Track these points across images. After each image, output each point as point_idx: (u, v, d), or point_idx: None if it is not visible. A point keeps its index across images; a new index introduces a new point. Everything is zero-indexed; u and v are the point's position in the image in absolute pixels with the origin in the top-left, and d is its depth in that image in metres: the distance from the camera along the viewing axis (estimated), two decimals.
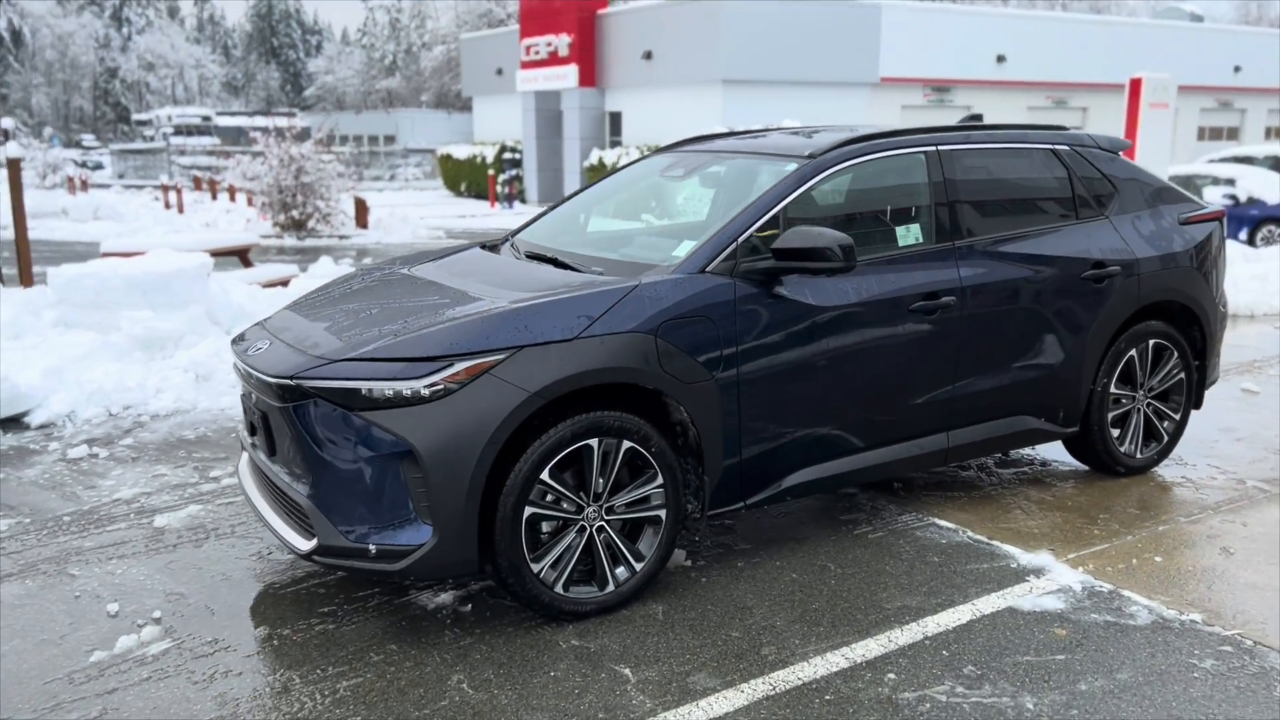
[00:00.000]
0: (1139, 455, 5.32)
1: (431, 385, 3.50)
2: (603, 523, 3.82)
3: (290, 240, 20.32)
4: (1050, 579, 4.15)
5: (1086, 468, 5.41)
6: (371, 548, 3.54)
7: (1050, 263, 4.82)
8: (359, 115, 64.35)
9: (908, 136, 4.70)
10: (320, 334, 3.94)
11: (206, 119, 61.52)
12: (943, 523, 4.74)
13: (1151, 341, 5.20)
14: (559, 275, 4.19)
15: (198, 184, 30.95)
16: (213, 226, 20.83)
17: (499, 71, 35.10)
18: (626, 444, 3.78)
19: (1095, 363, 5.02)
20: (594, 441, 3.72)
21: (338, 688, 3.39)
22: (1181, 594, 4.04)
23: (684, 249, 4.19)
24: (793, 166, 4.40)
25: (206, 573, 4.29)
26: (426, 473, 3.47)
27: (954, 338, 4.54)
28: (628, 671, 3.48)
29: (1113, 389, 5.12)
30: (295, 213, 20.49)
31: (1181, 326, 5.42)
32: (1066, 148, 5.14)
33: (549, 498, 3.69)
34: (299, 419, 3.65)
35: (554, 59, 30.16)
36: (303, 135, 21.06)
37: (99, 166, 49.27)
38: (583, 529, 3.78)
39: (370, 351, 3.61)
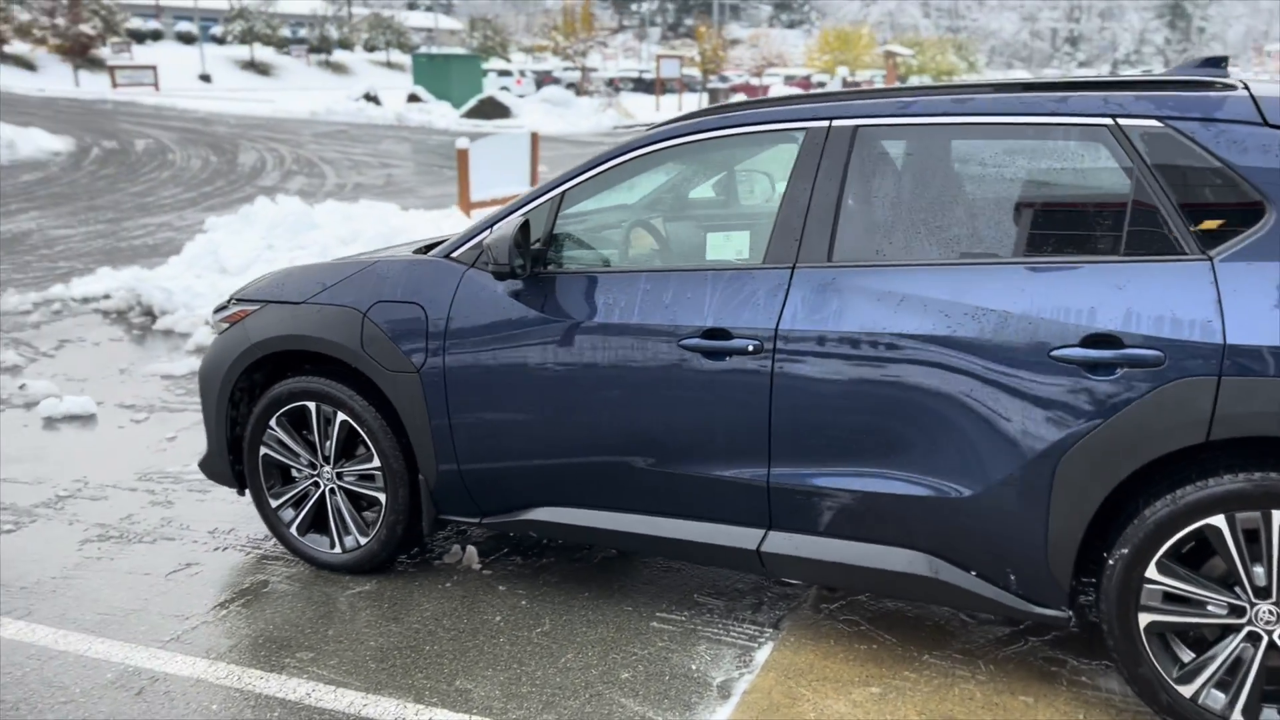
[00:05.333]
0: None
1: (220, 319, 4.17)
2: (334, 486, 3.96)
3: None
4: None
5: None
6: None
7: (976, 318, 2.84)
8: None
9: (785, 108, 3.27)
10: None
11: None
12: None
13: None
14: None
15: None
16: None
17: None
18: (342, 416, 3.84)
19: (1079, 513, 2.77)
20: (311, 405, 3.89)
21: None
22: None
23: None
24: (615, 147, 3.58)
25: None
26: (201, 389, 4.20)
27: (762, 399, 3.12)
28: (185, 621, 3.66)
29: (1156, 574, 2.74)
30: None
31: None
32: (1153, 123, 2.78)
33: (286, 446, 4.01)
34: None
35: None
36: None
37: None
38: (318, 485, 4.00)
39: (236, 292, 4.38)
